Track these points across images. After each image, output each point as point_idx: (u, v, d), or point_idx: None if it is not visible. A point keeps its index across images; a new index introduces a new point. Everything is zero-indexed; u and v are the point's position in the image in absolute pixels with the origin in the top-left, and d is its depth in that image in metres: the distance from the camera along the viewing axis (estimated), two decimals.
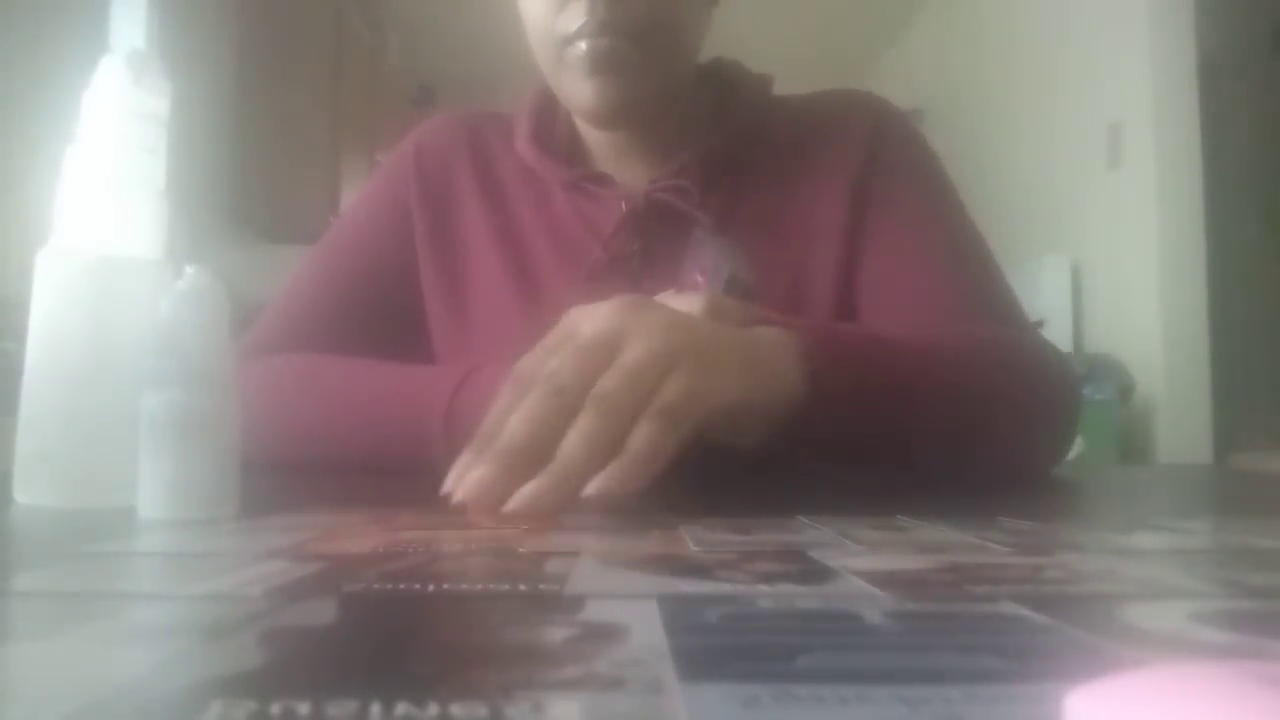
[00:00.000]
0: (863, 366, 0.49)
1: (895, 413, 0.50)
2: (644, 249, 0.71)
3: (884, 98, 0.81)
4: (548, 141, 0.75)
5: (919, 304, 0.68)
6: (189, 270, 0.34)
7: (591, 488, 0.35)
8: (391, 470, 0.57)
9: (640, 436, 0.37)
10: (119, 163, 0.40)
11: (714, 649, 0.16)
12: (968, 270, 0.70)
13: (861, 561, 0.25)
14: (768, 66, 0.79)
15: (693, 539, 0.29)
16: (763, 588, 0.21)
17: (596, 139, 0.76)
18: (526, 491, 0.35)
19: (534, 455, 0.37)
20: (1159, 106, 2.47)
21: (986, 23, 3.50)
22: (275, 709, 0.12)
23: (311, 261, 0.77)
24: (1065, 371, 0.66)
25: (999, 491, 0.48)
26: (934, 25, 4.06)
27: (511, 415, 0.39)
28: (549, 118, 0.77)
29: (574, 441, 0.37)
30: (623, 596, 0.20)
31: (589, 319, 0.43)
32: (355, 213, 0.80)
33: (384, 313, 0.75)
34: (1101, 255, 2.70)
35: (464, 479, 0.36)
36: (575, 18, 0.64)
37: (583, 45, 0.64)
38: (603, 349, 0.41)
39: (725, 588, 0.21)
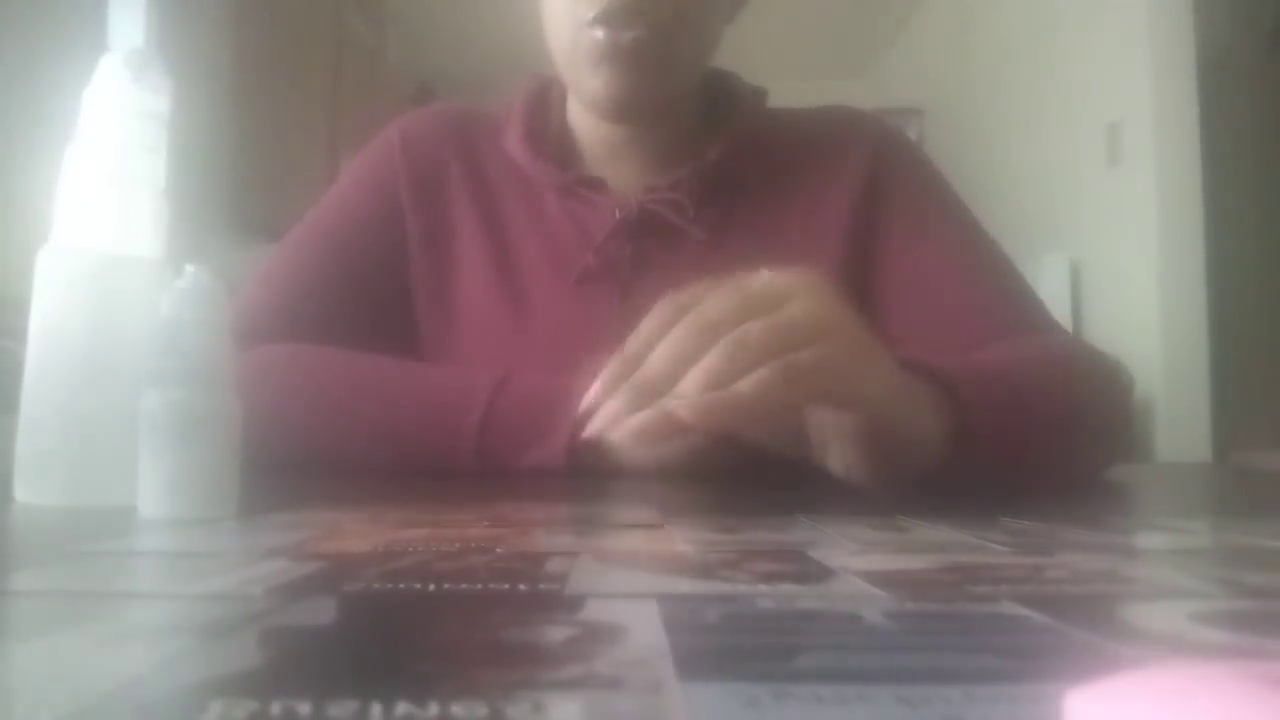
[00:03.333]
0: (1001, 408, 0.49)
1: (1026, 444, 0.51)
2: (635, 256, 0.71)
3: (882, 118, 0.81)
4: (539, 142, 0.75)
5: (961, 321, 0.68)
6: (190, 269, 0.34)
7: (680, 408, 0.36)
8: (409, 471, 0.57)
9: (748, 380, 0.37)
10: (119, 161, 0.40)
11: (714, 649, 0.16)
12: (1001, 283, 0.72)
13: (861, 561, 0.25)
14: (768, 65, 0.79)
15: (682, 539, 0.29)
16: (763, 588, 0.21)
17: (590, 140, 0.76)
18: (633, 423, 0.36)
19: (666, 387, 0.38)
20: (1158, 105, 2.47)
21: (986, 22, 3.50)
22: (275, 709, 0.12)
23: (295, 248, 0.75)
24: (1121, 375, 0.68)
25: (1061, 495, 0.48)
26: (934, 25, 4.06)
27: (657, 342, 0.39)
28: (541, 117, 0.77)
29: (692, 378, 0.37)
30: (623, 596, 0.20)
31: (770, 276, 0.42)
32: (341, 201, 0.78)
33: (375, 302, 0.74)
34: (1101, 254, 2.70)
35: (602, 411, 0.38)
36: (595, 1, 0.63)
37: (599, 33, 0.64)
38: (765, 300, 0.40)
39: (725, 588, 0.21)
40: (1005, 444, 0.48)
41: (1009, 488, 0.47)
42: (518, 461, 0.56)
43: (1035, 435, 0.51)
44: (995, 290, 0.70)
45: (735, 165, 0.73)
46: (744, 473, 0.53)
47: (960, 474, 0.46)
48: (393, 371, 0.63)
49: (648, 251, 0.71)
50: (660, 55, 0.65)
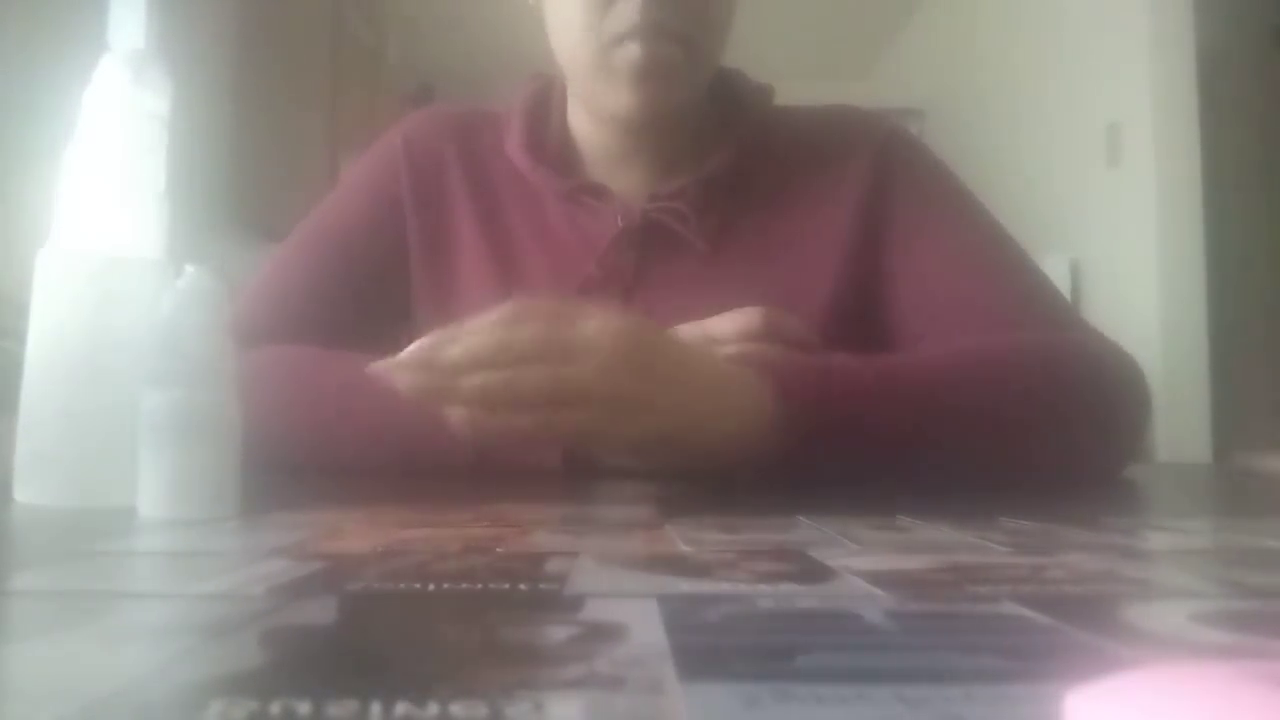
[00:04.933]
0: (831, 405, 0.50)
1: (885, 438, 0.51)
2: (638, 265, 0.70)
3: (888, 118, 0.80)
4: (540, 148, 0.74)
5: (972, 316, 0.67)
6: (189, 270, 0.34)
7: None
8: (407, 471, 0.57)
9: (513, 418, 0.46)
10: (119, 162, 0.40)
11: (714, 649, 0.16)
12: (1012, 276, 0.70)
13: (861, 561, 0.25)
14: (768, 65, 0.79)
15: (682, 539, 0.29)
16: (763, 587, 0.21)
17: (592, 146, 0.75)
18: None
19: (451, 376, 0.46)
20: (1158, 105, 2.47)
21: (986, 22, 3.50)
22: (275, 708, 0.12)
23: (295, 250, 0.75)
24: (1126, 371, 0.64)
25: (1061, 495, 0.48)
26: (934, 25, 4.06)
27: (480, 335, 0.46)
28: (541, 122, 0.76)
29: (472, 385, 0.45)
30: (623, 596, 0.20)
31: (590, 328, 0.47)
32: (343, 204, 0.77)
33: (375, 305, 0.73)
34: (1101, 254, 2.70)
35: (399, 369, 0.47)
36: (626, 18, 0.62)
37: (635, 49, 0.63)
38: (565, 350, 0.46)
39: (725, 587, 0.21)
40: (849, 435, 0.49)
41: (955, 483, 0.48)
42: (513, 463, 0.56)
43: (903, 428, 0.51)
44: (1003, 287, 0.69)
45: (740, 171, 0.73)
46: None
47: (801, 460, 0.48)
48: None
49: (651, 260, 0.70)
50: (691, 67, 0.66)
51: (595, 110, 0.72)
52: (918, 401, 0.53)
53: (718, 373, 0.50)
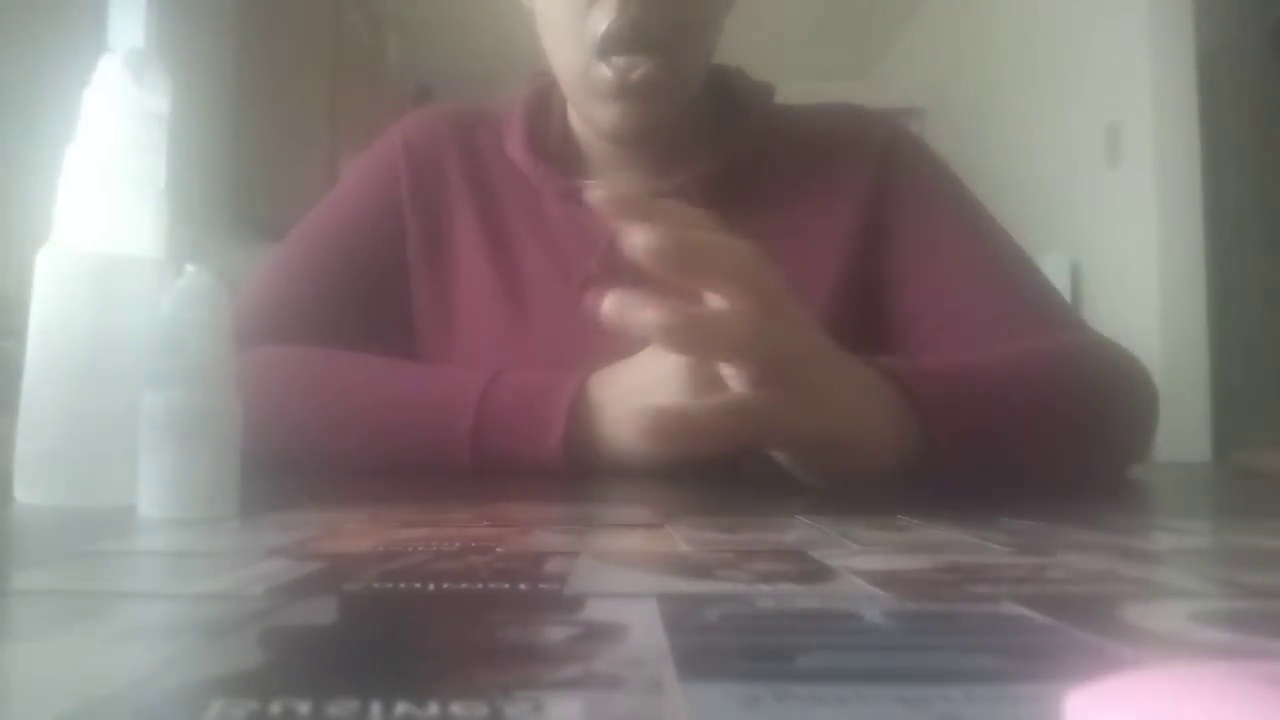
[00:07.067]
0: (969, 410, 0.50)
1: (994, 440, 0.51)
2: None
3: (890, 117, 0.80)
4: (541, 147, 0.74)
5: (975, 319, 0.67)
6: (189, 269, 0.34)
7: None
8: (407, 471, 0.57)
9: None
10: (119, 161, 0.39)
11: (714, 649, 0.16)
12: (1016, 279, 0.70)
13: (861, 561, 0.25)
14: (768, 65, 0.79)
15: (682, 539, 0.29)
16: (763, 587, 0.21)
17: (592, 145, 0.75)
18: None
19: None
20: (1158, 105, 2.47)
21: (986, 22, 3.50)
22: (275, 708, 0.12)
23: (295, 249, 0.75)
24: (1137, 370, 0.65)
25: (1061, 495, 0.47)
26: (934, 25, 4.06)
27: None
28: (542, 121, 0.76)
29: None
30: (623, 596, 0.20)
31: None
32: (343, 203, 0.77)
33: (374, 305, 0.73)
34: (1101, 254, 2.70)
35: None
36: (604, 17, 0.62)
37: (607, 70, 0.63)
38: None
39: (725, 587, 0.21)
40: (971, 443, 0.48)
41: (1008, 486, 0.47)
42: (514, 461, 0.56)
43: (1007, 434, 0.51)
44: (1008, 290, 0.69)
45: (740, 169, 0.73)
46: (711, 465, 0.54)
47: (941, 470, 0.47)
48: (387, 373, 0.63)
49: None
50: (670, 81, 0.65)
51: (588, 124, 0.72)
52: (1015, 403, 0.53)
53: (869, 378, 0.48)
